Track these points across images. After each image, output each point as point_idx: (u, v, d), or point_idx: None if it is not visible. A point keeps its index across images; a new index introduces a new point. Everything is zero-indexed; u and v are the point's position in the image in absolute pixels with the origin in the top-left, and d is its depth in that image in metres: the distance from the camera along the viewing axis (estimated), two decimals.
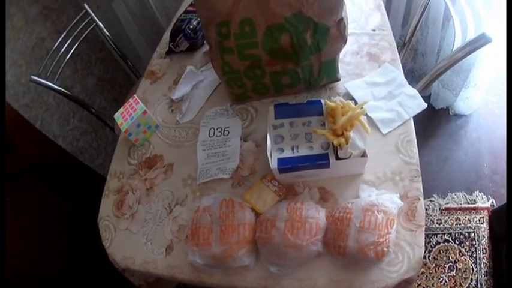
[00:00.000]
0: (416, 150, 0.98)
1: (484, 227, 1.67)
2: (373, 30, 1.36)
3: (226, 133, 1.11)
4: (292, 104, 1.07)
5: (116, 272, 1.07)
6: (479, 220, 1.70)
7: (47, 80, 1.51)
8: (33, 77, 1.49)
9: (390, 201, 0.87)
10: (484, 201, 1.74)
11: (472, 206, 1.74)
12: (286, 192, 0.98)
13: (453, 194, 1.79)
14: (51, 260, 1.56)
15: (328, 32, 1.02)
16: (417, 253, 0.83)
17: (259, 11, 0.96)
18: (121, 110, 1.21)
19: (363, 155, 0.91)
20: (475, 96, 1.94)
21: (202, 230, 0.93)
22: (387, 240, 0.80)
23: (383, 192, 0.91)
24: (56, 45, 1.57)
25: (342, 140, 0.90)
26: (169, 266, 0.98)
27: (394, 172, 0.95)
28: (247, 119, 1.16)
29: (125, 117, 1.18)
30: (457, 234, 1.68)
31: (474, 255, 1.61)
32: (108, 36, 1.75)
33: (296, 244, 0.84)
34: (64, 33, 1.58)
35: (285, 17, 0.97)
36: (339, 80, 1.19)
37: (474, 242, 1.64)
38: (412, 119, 1.06)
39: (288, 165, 0.94)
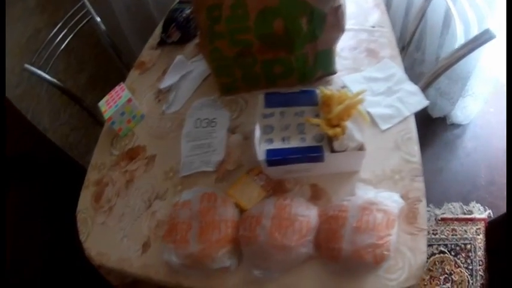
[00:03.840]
0: (417, 148, 0.88)
1: (481, 238, 1.57)
2: (373, 26, 1.27)
3: (213, 124, 1.01)
4: (284, 93, 0.95)
5: (96, 271, 0.96)
6: (475, 231, 1.59)
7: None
8: (27, 65, 1.39)
9: (390, 199, 0.76)
10: (481, 212, 1.63)
11: (469, 216, 1.63)
12: (274, 188, 0.88)
13: (449, 204, 1.68)
14: (29, 254, 1.45)
15: (325, 20, 0.93)
16: (419, 259, 0.73)
17: None
18: (106, 97, 1.11)
19: (361, 148, 0.81)
20: (473, 105, 1.85)
21: (180, 226, 0.82)
22: (387, 243, 0.69)
23: (382, 191, 0.80)
24: (50, 35, 1.48)
25: (338, 130, 0.79)
26: (144, 264, 0.87)
27: (394, 170, 0.85)
28: (236, 110, 1.06)
29: (110, 104, 1.08)
30: (452, 246, 1.56)
31: (470, 267, 1.50)
32: (104, 31, 1.65)
33: (283, 245, 0.72)
34: (60, 24, 1.49)
35: (280, 0, 0.88)
36: (335, 73, 1.09)
37: (470, 254, 1.53)
38: (413, 116, 0.96)
39: (277, 157, 0.83)
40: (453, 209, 1.67)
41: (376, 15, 1.30)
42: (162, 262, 0.84)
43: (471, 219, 1.62)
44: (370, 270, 0.73)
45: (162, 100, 1.15)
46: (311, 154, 0.82)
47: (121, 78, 2.10)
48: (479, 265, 1.50)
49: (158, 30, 1.38)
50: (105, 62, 2.05)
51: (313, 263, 0.76)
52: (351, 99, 0.83)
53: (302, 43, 0.96)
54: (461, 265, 1.51)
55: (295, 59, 0.99)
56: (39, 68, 1.41)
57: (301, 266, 0.76)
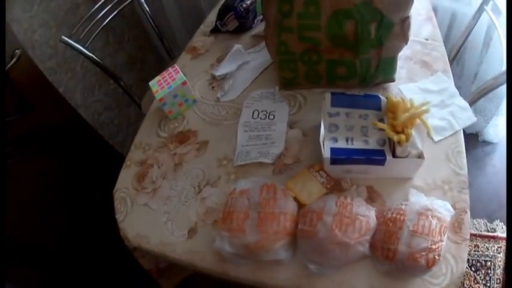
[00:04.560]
0: (465, 162, 0.89)
1: (501, 257, 1.55)
2: (426, 39, 1.27)
3: (271, 117, 0.98)
4: (349, 95, 0.94)
5: (123, 250, 0.92)
6: (497, 249, 1.57)
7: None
8: (64, 37, 1.36)
9: (444, 208, 0.78)
10: (504, 232, 1.62)
11: (492, 234, 1.62)
12: (333, 186, 0.85)
13: (474, 220, 1.67)
14: (51, 229, 1.41)
15: (392, 29, 0.92)
16: (460, 267, 0.74)
17: None
18: (158, 78, 1.08)
19: (420, 156, 0.81)
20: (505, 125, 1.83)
21: (236, 215, 0.78)
22: (439, 248, 0.71)
23: (434, 199, 0.81)
24: (91, 11, 1.44)
25: (403, 136, 0.79)
26: (189, 250, 0.84)
27: (444, 181, 0.86)
28: (295, 105, 1.03)
29: (162, 85, 1.05)
30: (474, 261, 1.55)
31: (488, 284, 1.48)
32: (148, 12, 1.63)
33: (343, 242, 0.72)
34: (101, 1, 1.45)
35: (355, 4, 0.88)
36: (394, 80, 1.07)
37: (489, 271, 1.51)
38: (461, 130, 0.96)
39: (341, 155, 0.83)
40: (477, 225, 1.66)
41: (429, 28, 1.29)
42: (209, 249, 0.81)
43: (494, 237, 1.61)
44: (419, 274, 0.73)
45: (216, 87, 1.12)
46: (374, 157, 0.82)
47: (160, 61, 2.10)
48: (497, 283, 1.49)
49: (211, 18, 1.35)
50: (144, 44, 2.02)
51: (365, 262, 0.76)
52: (416, 109, 0.83)
53: (368, 48, 0.95)
54: (480, 281, 1.50)
55: (360, 63, 0.98)
56: (76, 43, 1.38)
57: (354, 264, 0.76)
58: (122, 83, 1.57)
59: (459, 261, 0.74)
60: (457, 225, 0.79)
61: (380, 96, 0.92)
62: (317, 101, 1.01)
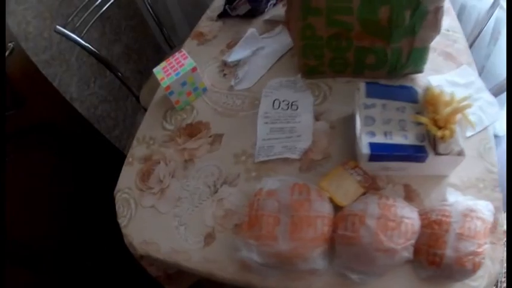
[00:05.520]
0: (496, 159, 0.81)
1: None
2: (447, 30, 1.15)
3: (294, 107, 0.84)
4: (385, 85, 0.83)
5: (125, 250, 0.78)
6: None
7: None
8: (58, 27, 1.20)
9: (486, 208, 0.69)
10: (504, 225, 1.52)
11: None
12: (370, 185, 0.73)
13: None
14: (49, 227, 1.25)
15: (426, 17, 0.82)
16: (496, 268, 0.67)
17: None
18: (163, 64, 0.93)
19: (460, 153, 0.72)
20: None
21: (266, 220, 0.64)
22: (484, 251, 0.64)
23: (470, 198, 0.73)
24: (86, 1, 1.30)
25: (447, 132, 0.70)
26: (206, 259, 0.70)
27: (478, 179, 0.77)
28: (319, 96, 0.89)
29: (168, 72, 0.90)
30: None
31: None
32: (147, 0, 1.46)
33: (389, 248, 0.62)
34: None
35: None
36: (423, 71, 0.95)
37: None
38: (490, 126, 0.87)
39: (382, 151, 0.71)
40: None
41: (448, 20, 1.18)
42: (230, 258, 0.68)
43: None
44: (463, 278, 0.66)
45: (228, 75, 0.97)
46: (415, 153, 0.71)
47: (157, 52, 1.94)
48: None
49: (218, 2, 1.20)
50: (142, 34, 1.86)
51: (405, 268, 0.66)
52: (458, 103, 0.74)
53: (400, 36, 0.84)
54: None
55: (391, 52, 0.86)
56: (72, 33, 1.23)
57: (395, 270, 0.66)
58: (120, 74, 1.41)
59: (495, 262, 0.67)
60: (492, 225, 0.69)
61: (414, 88, 0.82)
62: (343, 91, 0.88)
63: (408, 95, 0.80)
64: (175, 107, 0.92)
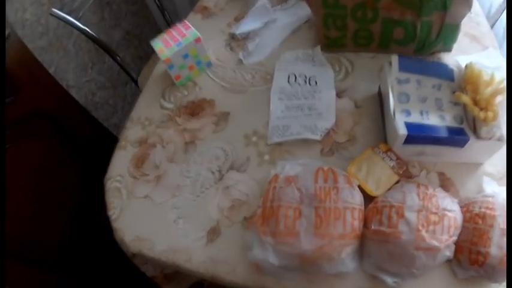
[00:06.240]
0: None
1: None
2: (470, 12, 1.03)
3: (313, 83, 0.69)
4: (419, 59, 0.71)
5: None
6: None
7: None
8: (54, 9, 1.08)
9: None
10: None
11: None
12: (405, 171, 0.59)
13: None
14: (51, 222, 1.11)
15: None
16: None
17: None
18: (162, 35, 0.78)
19: (500, 139, 0.61)
20: None
21: (284, 212, 0.50)
22: None
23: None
24: None
25: (490, 114, 0.59)
26: (211, 259, 0.57)
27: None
28: (340, 71, 0.75)
29: (168, 43, 0.75)
30: None
31: None
32: None
33: (432, 247, 0.49)
34: None
35: None
36: (451, 51, 0.83)
37: None
38: None
39: (420, 133, 0.58)
40: None
41: None
42: (240, 257, 0.55)
43: None
44: (502, 279, 0.55)
45: (237, 48, 0.82)
46: (456, 136, 0.59)
47: None
48: None
49: None
50: (143, 19, 1.71)
51: (442, 267, 0.54)
52: (498, 84, 0.62)
53: (431, 9, 0.72)
54: None
55: (421, 26, 0.74)
56: (70, 14, 1.11)
57: (431, 270, 0.54)
58: (119, 57, 1.27)
59: None
60: None
61: (449, 65, 0.69)
62: (367, 67, 0.75)
63: (443, 72, 0.67)
64: (175, 83, 0.78)
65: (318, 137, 0.62)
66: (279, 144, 0.64)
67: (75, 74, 1.41)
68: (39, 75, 1.18)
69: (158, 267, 0.66)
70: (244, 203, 0.59)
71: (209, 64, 0.80)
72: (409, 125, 0.57)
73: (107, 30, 1.53)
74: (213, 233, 0.58)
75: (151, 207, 0.64)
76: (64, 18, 1.10)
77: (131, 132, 0.75)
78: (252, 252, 0.50)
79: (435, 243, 0.49)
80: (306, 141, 0.63)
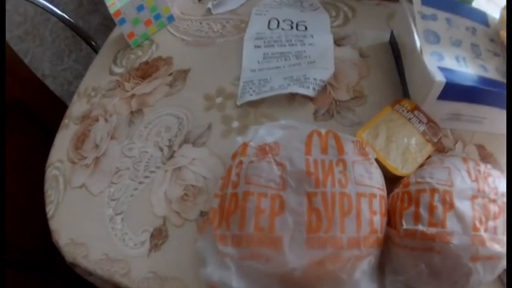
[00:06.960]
0: None
1: None
2: None
3: (301, 28, 0.45)
4: None
5: None
6: None
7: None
8: None
9: None
10: None
11: None
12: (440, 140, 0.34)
13: None
14: (33, 223, 0.88)
15: None
16: None
17: None
18: None
19: None
20: None
21: (255, 202, 0.26)
22: None
23: None
24: None
25: None
26: (154, 274, 0.33)
27: None
28: (338, 17, 0.50)
29: None
30: None
31: None
32: None
33: (494, 253, 0.26)
34: None
35: None
36: (471, 3, 0.58)
37: None
38: None
39: (464, 81, 0.34)
40: None
41: None
42: (192, 272, 0.32)
43: None
44: None
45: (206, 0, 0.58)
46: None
47: None
48: None
49: None
50: None
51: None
52: None
53: None
54: None
55: None
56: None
57: None
58: (95, 47, 1.05)
59: None
60: None
61: (481, 9, 0.46)
62: (372, 15, 0.51)
63: (476, 14, 0.44)
64: (129, 44, 0.54)
65: (310, 92, 0.38)
66: (254, 105, 0.40)
67: (50, 62, 1.22)
68: (14, 65, 0.96)
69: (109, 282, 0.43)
70: (201, 190, 0.35)
71: (171, 18, 0.56)
72: (447, 72, 0.34)
73: (84, 16, 1.33)
74: (158, 236, 0.35)
75: (88, 200, 0.41)
76: (40, 3, 0.87)
77: (75, 108, 0.52)
78: (206, 270, 0.26)
79: (497, 248, 0.26)
80: (292, 100, 0.39)
